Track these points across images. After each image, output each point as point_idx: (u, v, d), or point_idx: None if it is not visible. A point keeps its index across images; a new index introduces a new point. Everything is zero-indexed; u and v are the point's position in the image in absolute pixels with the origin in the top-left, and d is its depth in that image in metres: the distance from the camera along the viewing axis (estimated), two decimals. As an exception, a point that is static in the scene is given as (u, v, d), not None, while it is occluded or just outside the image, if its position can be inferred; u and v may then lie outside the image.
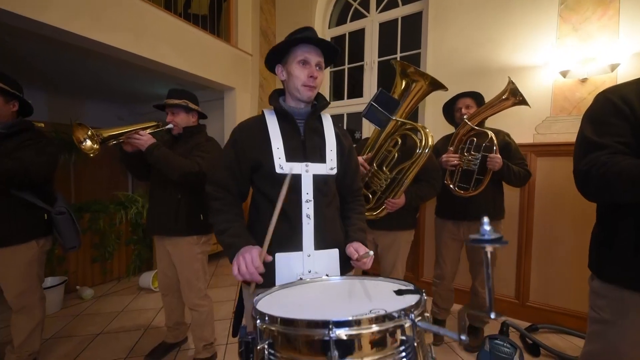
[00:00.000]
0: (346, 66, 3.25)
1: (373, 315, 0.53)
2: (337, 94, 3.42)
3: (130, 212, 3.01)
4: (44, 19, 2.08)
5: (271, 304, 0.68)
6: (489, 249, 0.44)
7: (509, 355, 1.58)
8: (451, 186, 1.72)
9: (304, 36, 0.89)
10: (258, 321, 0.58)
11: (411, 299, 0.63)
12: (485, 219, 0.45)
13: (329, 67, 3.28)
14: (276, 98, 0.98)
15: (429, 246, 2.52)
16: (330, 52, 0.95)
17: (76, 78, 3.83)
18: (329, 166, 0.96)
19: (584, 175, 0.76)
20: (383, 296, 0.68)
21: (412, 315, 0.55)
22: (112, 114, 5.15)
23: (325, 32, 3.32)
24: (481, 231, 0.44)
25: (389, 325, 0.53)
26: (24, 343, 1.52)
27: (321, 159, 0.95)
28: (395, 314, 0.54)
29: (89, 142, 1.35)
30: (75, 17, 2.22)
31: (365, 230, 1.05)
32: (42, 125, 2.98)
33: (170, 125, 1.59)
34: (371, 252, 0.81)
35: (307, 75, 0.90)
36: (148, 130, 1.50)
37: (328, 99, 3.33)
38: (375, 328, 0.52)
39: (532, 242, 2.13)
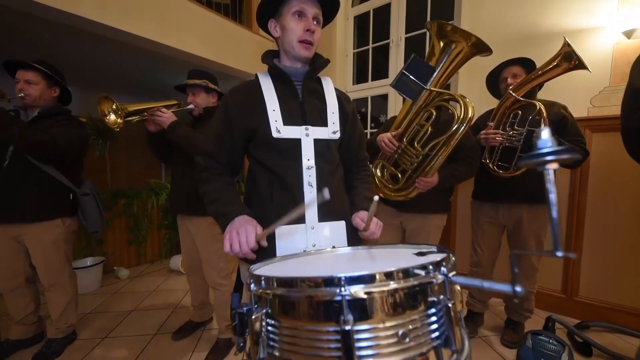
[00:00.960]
0: (370, 46, 3.08)
1: (394, 269, 0.42)
2: (360, 78, 3.27)
3: (161, 199, 3.14)
4: (77, 11, 2.16)
5: (270, 271, 0.59)
6: (552, 165, 0.32)
7: (556, 353, 1.41)
8: (490, 165, 1.55)
9: None
10: (252, 286, 0.49)
11: (436, 257, 0.54)
12: (546, 129, 0.32)
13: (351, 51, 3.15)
14: (270, 57, 0.89)
15: (462, 233, 2.34)
16: (330, 4, 0.84)
17: (105, 71, 4.02)
18: (331, 129, 0.87)
19: (636, 132, 0.63)
20: (404, 257, 0.58)
21: (444, 269, 0.45)
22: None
23: (348, 11, 3.16)
24: (538, 144, 0.32)
25: (416, 281, 0.42)
26: (61, 317, 1.62)
27: (322, 122, 0.86)
28: (422, 269, 0.43)
29: (112, 116, 1.38)
30: (103, 8, 2.29)
31: (372, 199, 0.95)
32: (84, 119, 3.17)
33: (191, 106, 1.60)
34: (376, 197, 0.65)
35: (304, 28, 0.80)
36: (171, 109, 1.51)
37: (351, 83, 3.26)
38: (397, 284, 0.41)
39: (584, 231, 1.89)
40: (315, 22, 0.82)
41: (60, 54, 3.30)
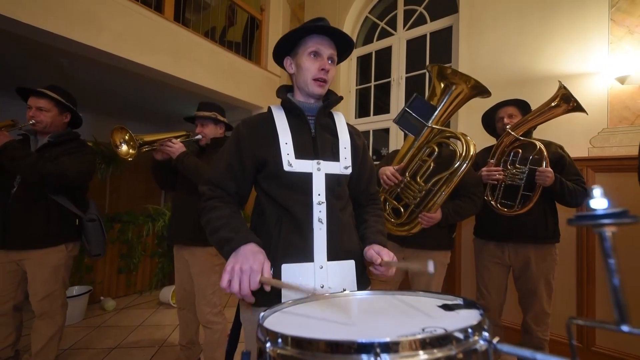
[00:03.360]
0: (372, 83, 3.23)
1: (433, 334, 0.38)
2: (362, 112, 3.38)
3: (158, 225, 3.08)
4: (97, 44, 2.30)
5: (282, 321, 0.52)
6: (610, 229, 0.28)
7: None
8: (492, 202, 1.53)
9: (316, 25, 0.81)
10: (268, 345, 0.42)
11: (469, 315, 0.48)
12: (598, 189, 0.30)
13: (353, 87, 3.31)
14: (284, 92, 0.90)
15: (467, 272, 2.25)
16: (344, 45, 0.87)
17: (119, 99, 4.19)
18: (343, 165, 0.85)
19: None
20: (428, 312, 0.53)
21: (486, 334, 0.40)
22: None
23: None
24: (592, 204, 0.29)
25: (456, 349, 0.37)
26: (41, 351, 1.49)
27: (334, 157, 0.85)
28: (461, 334, 0.38)
29: (124, 147, 1.40)
30: (122, 41, 2.44)
31: (385, 234, 0.90)
32: (91, 144, 3.24)
33: (199, 136, 1.64)
34: (431, 267, 0.53)
35: (319, 68, 0.82)
36: (179, 139, 1.55)
37: (353, 116, 3.36)
38: (439, 353, 0.36)
39: (595, 274, 1.81)
40: (330, 62, 0.84)
41: (74, 79, 3.46)
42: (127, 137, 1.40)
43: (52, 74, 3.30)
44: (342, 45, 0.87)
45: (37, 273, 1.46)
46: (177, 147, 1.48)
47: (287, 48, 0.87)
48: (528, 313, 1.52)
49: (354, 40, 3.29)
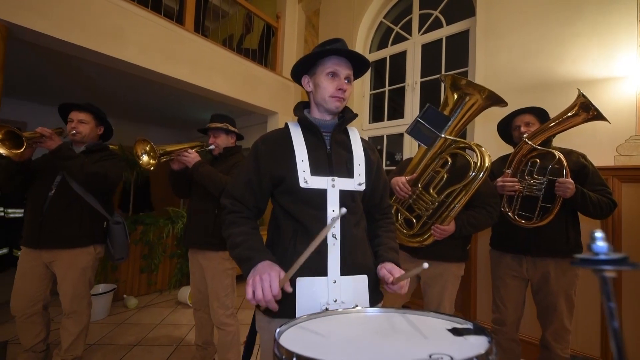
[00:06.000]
0: (387, 88, 3.21)
1: None
2: (376, 117, 3.36)
3: (177, 227, 3.20)
4: (122, 56, 2.44)
5: (297, 338, 0.55)
6: (609, 273, 0.30)
7: None
8: (510, 214, 1.48)
9: (335, 48, 0.85)
10: None
11: (477, 342, 0.49)
12: (599, 233, 0.32)
13: (367, 91, 3.31)
14: (301, 109, 0.93)
15: (483, 284, 2.19)
16: (360, 64, 0.90)
17: (141, 106, 4.41)
18: (357, 181, 0.87)
19: None
20: (437, 336, 0.54)
21: None
22: (172, 139, 5.77)
23: (366, 57, 3.36)
24: (595, 248, 0.31)
25: None
26: (70, 347, 1.60)
27: (348, 173, 0.87)
28: None
29: (145, 157, 1.51)
30: (146, 53, 2.57)
31: (397, 250, 0.92)
32: (117, 147, 3.42)
33: (212, 146, 1.73)
34: (426, 264, 0.60)
35: (336, 87, 0.85)
36: (194, 150, 1.64)
37: (368, 121, 3.36)
38: None
39: (622, 289, 1.71)
40: (346, 82, 0.87)
41: (100, 88, 3.67)
42: (148, 148, 1.50)
43: (82, 84, 3.51)
44: (358, 64, 0.90)
45: (67, 274, 1.57)
46: (192, 156, 1.57)
47: (305, 67, 0.91)
48: (547, 329, 1.47)
49: (369, 44, 3.31)
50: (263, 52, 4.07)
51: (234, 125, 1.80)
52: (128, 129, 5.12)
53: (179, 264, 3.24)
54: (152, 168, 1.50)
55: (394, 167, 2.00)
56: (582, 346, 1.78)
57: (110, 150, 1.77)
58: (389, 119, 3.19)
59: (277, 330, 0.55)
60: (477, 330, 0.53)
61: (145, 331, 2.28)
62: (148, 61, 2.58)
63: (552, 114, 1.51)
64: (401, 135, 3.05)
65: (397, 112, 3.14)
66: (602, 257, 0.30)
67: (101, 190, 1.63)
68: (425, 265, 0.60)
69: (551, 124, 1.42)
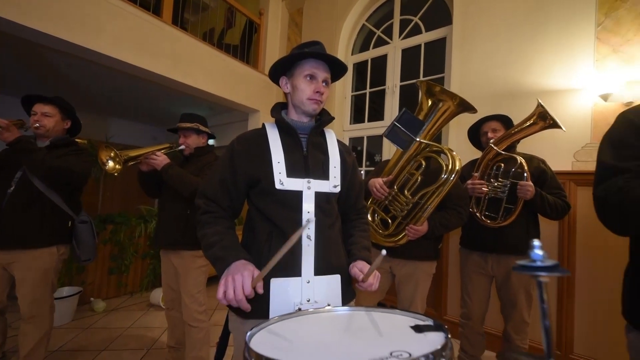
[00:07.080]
0: (367, 90, 3.27)
1: (400, 359, 0.43)
2: (357, 118, 3.42)
3: (150, 226, 3.08)
4: (94, 46, 2.31)
5: (268, 341, 0.56)
6: (544, 278, 0.35)
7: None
8: (477, 214, 1.57)
9: (313, 51, 0.86)
10: None
11: (435, 338, 0.52)
12: (537, 242, 0.36)
13: (349, 93, 3.36)
14: (278, 110, 0.93)
15: (453, 281, 2.30)
16: (338, 68, 0.91)
17: (114, 100, 4.19)
18: (333, 183, 0.89)
19: (600, 203, 0.69)
20: (399, 333, 0.57)
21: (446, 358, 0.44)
22: (148, 134, 5.52)
23: (348, 59, 3.40)
24: (532, 256, 0.35)
25: None
26: (29, 354, 1.50)
27: (324, 175, 0.89)
28: (424, 359, 0.43)
29: (111, 163, 1.47)
30: (120, 44, 2.45)
31: (369, 249, 0.95)
32: (85, 142, 3.24)
33: (182, 147, 1.71)
34: (384, 252, 0.64)
35: (314, 90, 0.86)
36: (163, 151, 1.62)
37: (349, 122, 3.41)
38: None
39: (575, 283, 1.87)
40: (324, 84, 0.88)
41: (68, 80, 3.45)
42: (112, 155, 1.46)
43: (46, 74, 3.29)
44: (336, 68, 0.91)
45: (27, 276, 1.47)
46: (160, 159, 1.55)
47: (283, 68, 0.90)
48: (508, 322, 1.58)
49: (351, 45, 3.35)
50: (245, 49, 4.00)
51: (206, 125, 1.78)
52: (99, 123, 4.85)
53: (152, 265, 3.12)
54: (116, 174, 1.47)
55: (373, 168, 2.05)
56: (540, 337, 1.91)
57: (78, 145, 1.68)
58: (369, 121, 3.26)
59: (248, 333, 0.56)
60: (437, 327, 0.57)
61: (114, 335, 2.18)
62: (122, 53, 2.46)
63: (517, 121, 1.61)
64: (381, 136, 3.11)
65: (378, 113, 3.21)
66: (539, 264, 0.34)
67: (67, 187, 1.54)
68: (384, 252, 0.63)
69: (514, 131, 1.53)
